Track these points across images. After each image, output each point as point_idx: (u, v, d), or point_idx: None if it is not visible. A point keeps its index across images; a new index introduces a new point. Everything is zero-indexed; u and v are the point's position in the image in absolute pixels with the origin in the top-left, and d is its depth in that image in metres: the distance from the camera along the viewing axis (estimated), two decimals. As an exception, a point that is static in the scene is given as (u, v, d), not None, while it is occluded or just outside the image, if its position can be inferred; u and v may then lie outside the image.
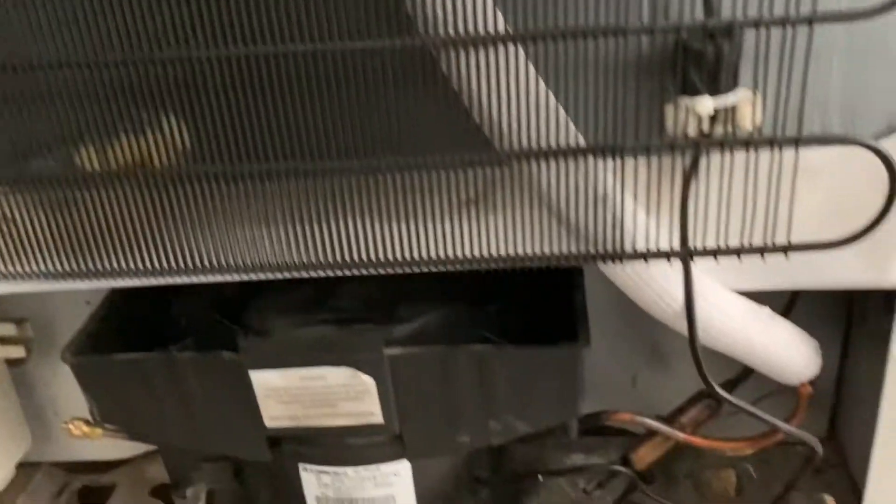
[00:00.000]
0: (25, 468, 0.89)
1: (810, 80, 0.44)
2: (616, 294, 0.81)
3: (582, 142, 0.47)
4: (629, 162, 0.47)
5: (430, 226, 0.52)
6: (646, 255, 0.48)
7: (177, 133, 0.49)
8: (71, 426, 0.68)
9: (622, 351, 0.83)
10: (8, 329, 0.76)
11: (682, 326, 0.52)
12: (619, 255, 0.48)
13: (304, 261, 0.53)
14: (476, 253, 0.52)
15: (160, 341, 0.69)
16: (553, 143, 0.47)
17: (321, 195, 0.51)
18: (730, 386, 0.70)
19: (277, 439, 0.65)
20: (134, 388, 0.63)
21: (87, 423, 0.69)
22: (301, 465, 0.67)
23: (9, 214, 0.54)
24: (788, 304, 0.67)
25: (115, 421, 0.66)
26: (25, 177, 0.51)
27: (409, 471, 0.66)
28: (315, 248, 0.52)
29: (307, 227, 0.52)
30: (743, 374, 0.70)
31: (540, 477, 0.71)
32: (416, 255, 0.52)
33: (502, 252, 0.51)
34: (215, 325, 0.67)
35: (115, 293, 0.69)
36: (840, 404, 0.81)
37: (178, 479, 0.77)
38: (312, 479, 0.67)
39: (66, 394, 0.82)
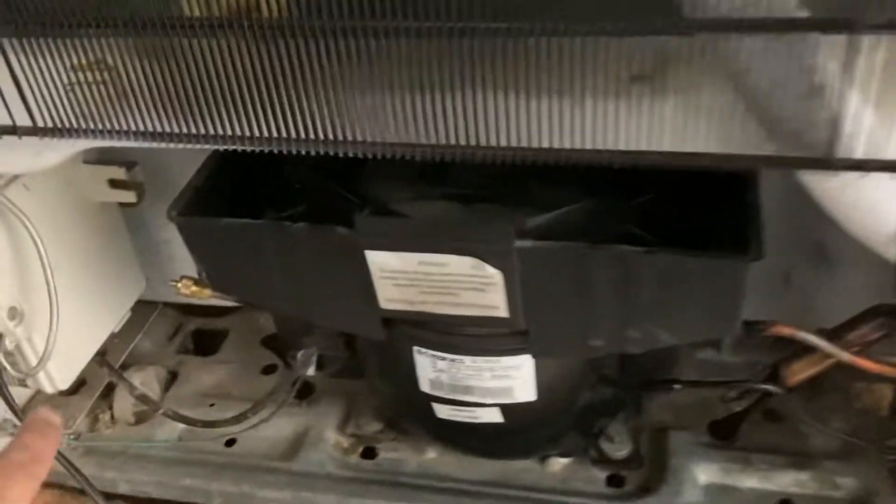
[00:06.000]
0: (142, 307, 0.89)
1: None
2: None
3: (800, 12, 0.36)
4: (864, 42, 0.36)
5: (582, 105, 0.42)
6: (865, 165, 0.38)
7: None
8: (179, 284, 0.65)
9: (774, 240, 0.72)
10: (117, 173, 0.72)
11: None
12: (830, 163, 0.38)
13: (424, 140, 0.45)
14: (639, 144, 0.42)
15: (271, 200, 0.64)
16: (759, 12, 0.36)
17: (452, 60, 0.42)
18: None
19: (392, 319, 0.61)
20: (242, 254, 0.59)
21: (195, 281, 0.66)
22: (416, 348, 0.62)
23: (106, 61, 0.47)
24: None
25: (223, 285, 0.63)
26: (118, 16, 0.44)
27: (531, 365, 0.61)
28: (438, 124, 0.44)
29: (431, 98, 0.43)
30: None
31: (677, 386, 0.64)
32: (564, 140, 0.43)
33: (672, 146, 0.42)
34: (329, 191, 0.61)
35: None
36: None
37: (289, 341, 0.75)
38: (427, 362, 0.63)
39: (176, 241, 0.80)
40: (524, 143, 0.44)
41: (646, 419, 0.76)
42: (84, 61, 0.47)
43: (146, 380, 0.83)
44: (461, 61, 0.42)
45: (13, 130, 0.49)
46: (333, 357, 0.77)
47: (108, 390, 0.84)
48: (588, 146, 0.43)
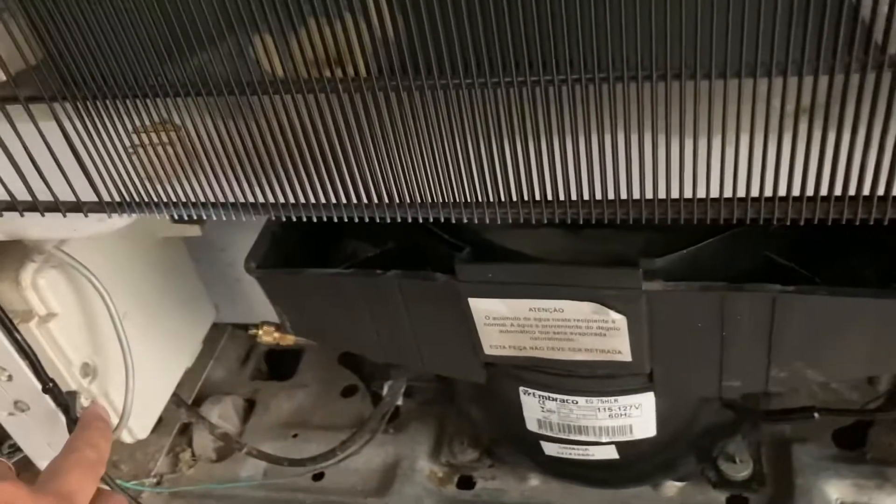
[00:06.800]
0: (210, 331, 0.85)
1: None
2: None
3: None
4: None
5: (731, 141, 0.35)
6: None
7: (387, 19, 0.34)
8: (261, 332, 0.61)
9: None
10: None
11: None
12: None
13: (561, 196, 0.38)
14: (799, 189, 0.35)
15: (355, 235, 0.58)
16: None
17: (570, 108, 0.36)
18: None
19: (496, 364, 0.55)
20: (330, 303, 0.54)
21: (277, 327, 0.61)
22: (522, 389, 0.57)
23: (173, 121, 0.42)
24: None
25: (309, 332, 0.57)
26: (187, 79, 0.38)
27: (652, 403, 0.55)
28: (570, 176, 0.38)
29: (561, 148, 0.37)
30: None
31: (816, 415, 0.57)
32: (706, 185, 0.36)
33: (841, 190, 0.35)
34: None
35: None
36: None
37: (375, 370, 0.70)
38: (534, 402, 0.57)
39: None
40: (661, 195, 0.37)
41: (764, 431, 0.70)
42: (148, 123, 0.41)
43: (224, 412, 0.79)
44: (581, 108, 0.35)
45: (77, 207, 0.43)
46: (422, 388, 0.72)
47: (186, 425, 0.80)
48: (740, 194, 0.36)
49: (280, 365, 0.87)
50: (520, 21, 0.31)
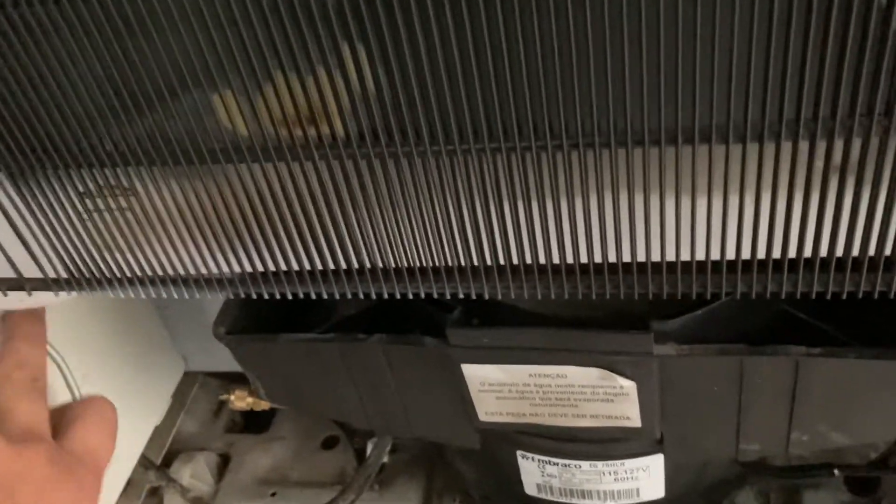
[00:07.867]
0: (180, 380, 0.79)
1: None
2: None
3: None
4: None
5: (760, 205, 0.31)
6: None
7: (366, 73, 0.29)
8: (233, 397, 0.56)
9: None
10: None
11: None
12: None
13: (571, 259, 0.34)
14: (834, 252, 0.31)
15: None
16: None
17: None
18: None
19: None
20: (308, 370, 0.49)
21: (250, 391, 0.56)
22: (520, 453, 0.53)
23: (122, 184, 0.37)
24: None
25: (286, 401, 0.53)
26: (141, 145, 0.33)
27: (661, 464, 0.51)
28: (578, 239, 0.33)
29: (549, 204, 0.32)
30: None
31: (836, 471, 0.53)
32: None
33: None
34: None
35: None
36: None
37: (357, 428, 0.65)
38: (533, 467, 0.53)
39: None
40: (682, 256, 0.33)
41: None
42: (94, 188, 0.36)
43: (196, 471, 0.74)
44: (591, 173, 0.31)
45: (20, 285, 0.38)
46: (410, 446, 0.67)
47: (155, 489, 0.75)
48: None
49: (256, 415, 0.82)
50: (523, 82, 0.27)
